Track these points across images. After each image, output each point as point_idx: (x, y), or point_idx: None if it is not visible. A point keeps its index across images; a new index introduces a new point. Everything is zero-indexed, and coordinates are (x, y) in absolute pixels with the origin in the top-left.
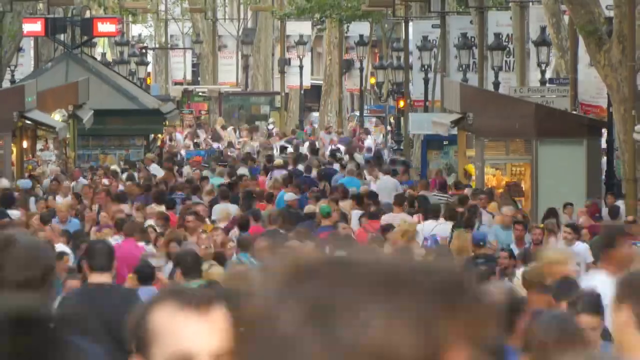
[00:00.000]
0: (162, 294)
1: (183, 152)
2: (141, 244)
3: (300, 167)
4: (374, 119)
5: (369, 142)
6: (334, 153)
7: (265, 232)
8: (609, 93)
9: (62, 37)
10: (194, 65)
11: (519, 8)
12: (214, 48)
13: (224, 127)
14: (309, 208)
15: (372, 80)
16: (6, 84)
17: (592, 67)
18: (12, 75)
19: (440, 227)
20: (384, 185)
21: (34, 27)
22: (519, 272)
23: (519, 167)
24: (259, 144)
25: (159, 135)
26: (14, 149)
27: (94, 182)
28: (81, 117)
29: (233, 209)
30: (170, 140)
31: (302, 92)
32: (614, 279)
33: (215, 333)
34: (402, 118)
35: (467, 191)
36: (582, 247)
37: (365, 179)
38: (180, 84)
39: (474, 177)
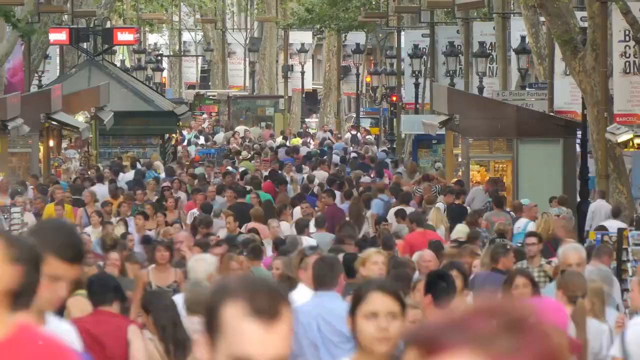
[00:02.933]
0: (236, 287)
1: (192, 149)
2: None
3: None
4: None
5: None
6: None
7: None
8: (584, 97)
9: (85, 45)
10: (205, 71)
11: (501, 19)
12: (223, 55)
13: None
14: None
15: (368, 79)
16: (34, 88)
17: (566, 77)
18: (40, 81)
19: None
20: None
21: (59, 36)
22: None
23: (501, 164)
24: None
25: (173, 135)
26: (41, 148)
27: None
28: (102, 118)
29: None
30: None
31: (304, 95)
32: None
33: (280, 341)
34: (395, 119)
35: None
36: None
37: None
38: (193, 88)
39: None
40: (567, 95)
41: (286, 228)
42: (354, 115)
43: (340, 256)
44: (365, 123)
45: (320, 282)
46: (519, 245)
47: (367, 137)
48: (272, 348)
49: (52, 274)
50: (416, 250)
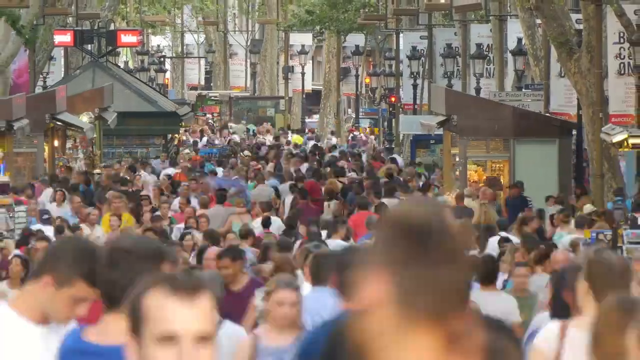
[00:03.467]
0: (156, 278)
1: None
2: None
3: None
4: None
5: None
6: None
7: None
8: (579, 98)
9: (89, 47)
10: (207, 72)
11: (498, 21)
12: (225, 57)
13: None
14: None
15: (367, 80)
16: (39, 89)
17: (561, 79)
18: (45, 82)
19: None
20: None
21: (64, 38)
22: None
23: (498, 164)
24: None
25: (176, 135)
26: (46, 148)
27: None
28: (106, 118)
29: None
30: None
31: (304, 96)
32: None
33: (201, 317)
34: (393, 120)
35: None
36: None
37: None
38: (195, 89)
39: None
40: (561, 98)
41: None
42: (354, 116)
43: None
44: (364, 123)
45: (315, 278)
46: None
47: (370, 136)
48: (194, 323)
49: (78, 296)
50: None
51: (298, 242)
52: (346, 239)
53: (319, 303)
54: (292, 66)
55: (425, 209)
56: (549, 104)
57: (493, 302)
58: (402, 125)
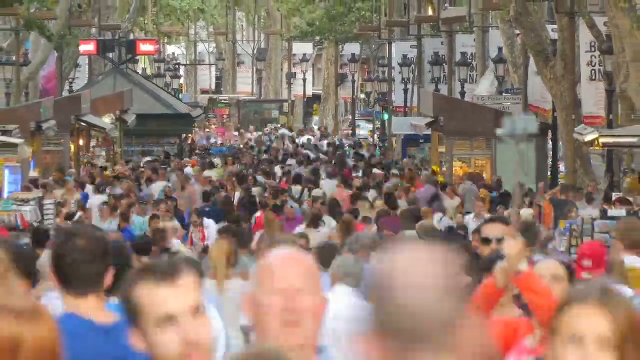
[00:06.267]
0: (140, 271)
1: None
2: None
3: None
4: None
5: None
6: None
7: None
8: (554, 101)
9: (111, 55)
10: (217, 78)
11: (481, 32)
12: (233, 64)
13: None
14: None
15: (362, 86)
16: (66, 93)
17: (538, 76)
18: (71, 87)
19: None
20: None
21: (88, 47)
22: None
23: (481, 161)
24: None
25: (190, 135)
26: (72, 146)
27: None
28: (126, 120)
29: None
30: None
31: (305, 99)
32: None
33: (187, 293)
34: (386, 121)
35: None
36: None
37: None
38: (207, 93)
39: (439, 174)
40: (538, 93)
41: None
42: (350, 118)
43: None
44: (362, 124)
45: None
46: None
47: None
48: (182, 301)
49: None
50: None
51: None
52: None
53: None
54: (295, 73)
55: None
56: (527, 105)
57: None
58: (394, 126)
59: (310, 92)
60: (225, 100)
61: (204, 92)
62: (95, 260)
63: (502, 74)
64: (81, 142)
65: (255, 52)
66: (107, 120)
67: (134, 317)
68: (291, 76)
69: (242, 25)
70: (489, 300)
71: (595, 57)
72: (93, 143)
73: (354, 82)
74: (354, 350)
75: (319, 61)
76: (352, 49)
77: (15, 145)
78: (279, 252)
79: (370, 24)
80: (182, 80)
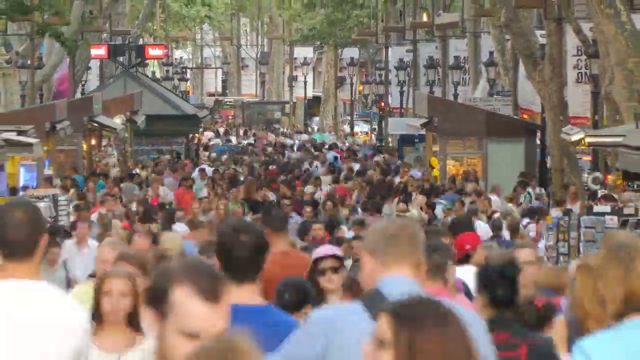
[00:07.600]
0: (181, 275)
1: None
2: None
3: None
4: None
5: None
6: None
7: None
8: (542, 103)
9: (121, 59)
10: (223, 81)
11: (473, 37)
12: (238, 67)
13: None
14: None
15: (360, 88)
16: (78, 95)
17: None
18: (83, 89)
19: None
20: None
21: (99, 51)
22: None
23: (473, 160)
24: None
25: (196, 135)
26: (85, 146)
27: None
28: (136, 120)
29: None
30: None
31: (306, 101)
32: None
33: (222, 318)
34: (383, 121)
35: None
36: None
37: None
38: (212, 95)
39: (437, 167)
40: (528, 95)
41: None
42: (349, 118)
43: None
44: (361, 124)
45: None
46: None
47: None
48: (216, 324)
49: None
50: None
51: None
52: None
53: None
54: (296, 75)
55: None
56: (517, 107)
57: None
58: (390, 126)
59: (310, 94)
60: (230, 101)
61: (210, 94)
62: (254, 254)
63: (493, 77)
64: (93, 142)
65: (258, 55)
66: (117, 121)
67: (159, 306)
68: (293, 79)
69: (246, 31)
70: None
71: (582, 61)
72: (104, 142)
73: (352, 84)
74: None
75: (319, 64)
76: (351, 53)
77: (30, 145)
78: None
79: (368, 29)
80: (189, 83)
